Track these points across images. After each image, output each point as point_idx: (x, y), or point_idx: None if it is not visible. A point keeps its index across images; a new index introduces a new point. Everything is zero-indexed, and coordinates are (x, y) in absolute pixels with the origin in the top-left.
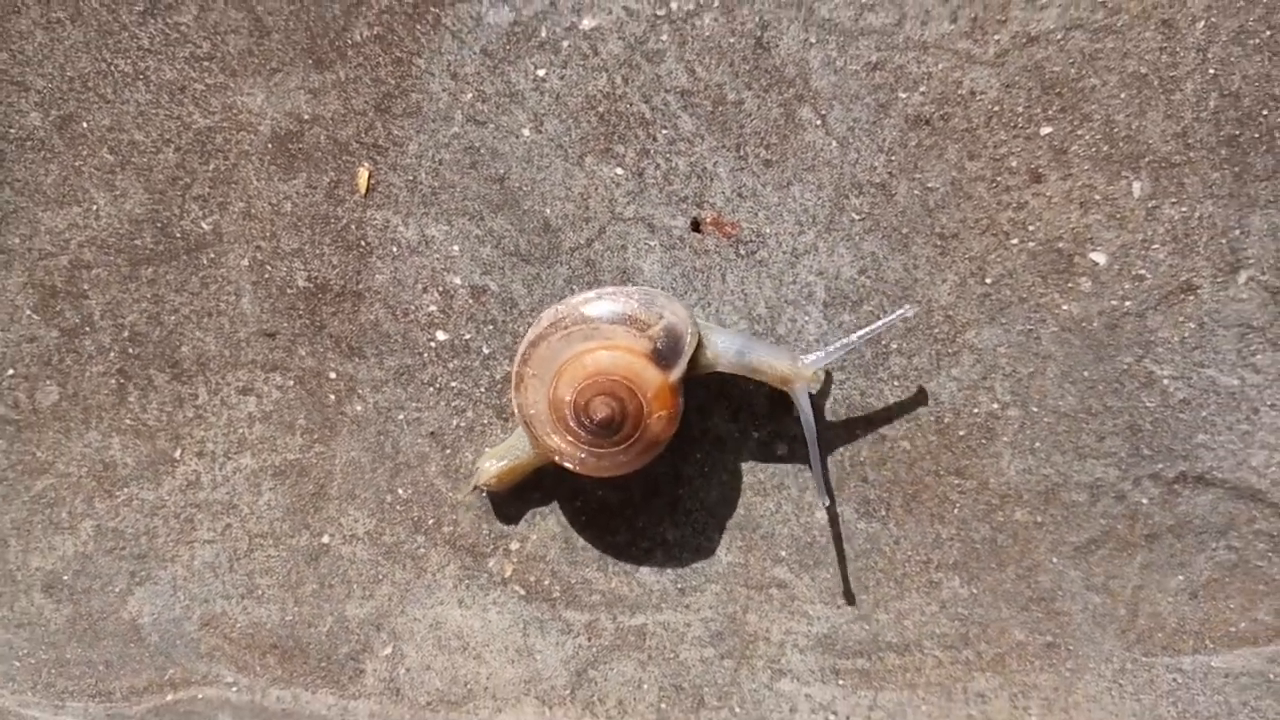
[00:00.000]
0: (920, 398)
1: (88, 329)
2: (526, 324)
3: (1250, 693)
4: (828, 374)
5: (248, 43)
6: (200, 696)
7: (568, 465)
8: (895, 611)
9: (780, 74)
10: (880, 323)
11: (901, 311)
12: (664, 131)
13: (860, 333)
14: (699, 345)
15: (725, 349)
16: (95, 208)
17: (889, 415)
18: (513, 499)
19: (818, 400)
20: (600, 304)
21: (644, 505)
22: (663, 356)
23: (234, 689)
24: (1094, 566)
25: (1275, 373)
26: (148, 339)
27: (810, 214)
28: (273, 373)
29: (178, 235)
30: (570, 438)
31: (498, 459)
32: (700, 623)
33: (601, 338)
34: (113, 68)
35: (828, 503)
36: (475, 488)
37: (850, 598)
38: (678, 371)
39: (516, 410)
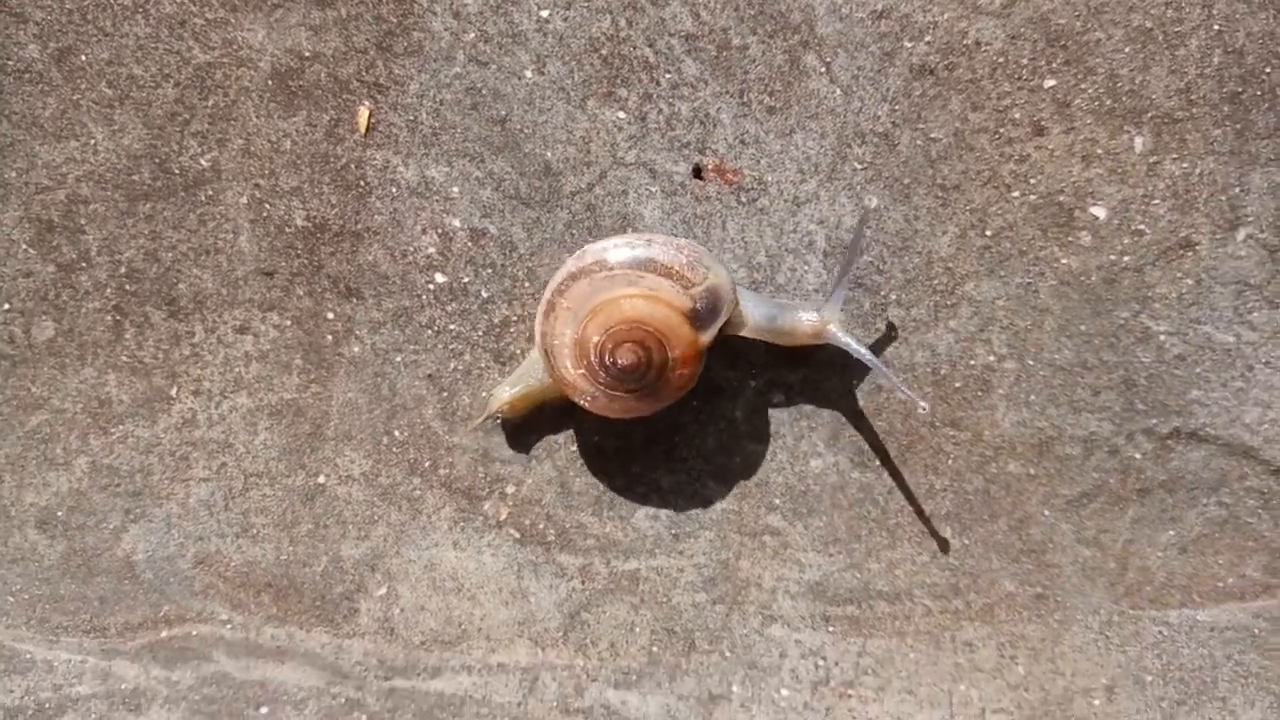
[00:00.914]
0: (918, 349)
1: (84, 264)
2: (529, 265)
3: (1234, 646)
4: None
5: None
6: (195, 634)
7: (578, 400)
8: (886, 560)
9: (785, 20)
10: (855, 237)
11: (864, 211)
12: (667, 76)
13: (849, 259)
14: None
15: (754, 313)
16: (93, 142)
17: (886, 366)
18: (526, 430)
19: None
20: (650, 249)
21: (640, 451)
22: (699, 317)
23: (228, 626)
24: (1085, 520)
25: (1271, 330)
26: (145, 276)
27: (813, 162)
28: (270, 312)
29: (176, 171)
30: (588, 375)
31: (511, 385)
32: (693, 568)
33: (645, 286)
34: (112, 0)
35: (926, 407)
36: (489, 415)
37: (843, 546)
38: (710, 334)
39: (539, 337)
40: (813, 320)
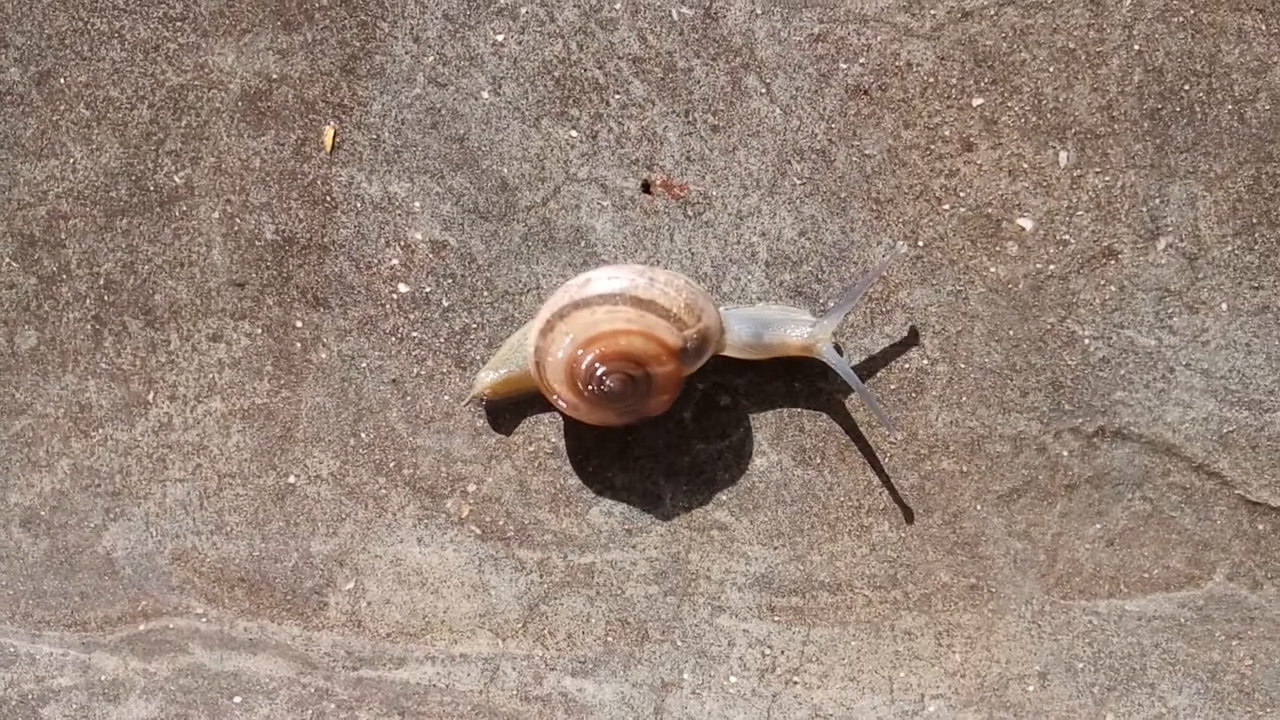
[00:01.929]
0: (855, 354)
1: (65, 276)
2: (488, 275)
3: (1162, 635)
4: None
5: (219, 4)
6: (171, 627)
7: (558, 404)
8: (828, 553)
9: (727, 43)
10: (877, 266)
11: (893, 252)
12: (616, 96)
13: (861, 281)
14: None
15: (740, 334)
16: (72, 161)
17: (824, 369)
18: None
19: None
20: (651, 289)
21: (595, 450)
22: (687, 355)
23: (203, 620)
24: (1016, 514)
25: (1190, 334)
26: (122, 287)
27: (754, 178)
28: (242, 321)
29: (151, 188)
30: (572, 391)
31: (494, 369)
32: (646, 561)
33: (644, 325)
34: (89, 26)
35: (899, 436)
36: (474, 398)
37: (787, 539)
38: (693, 369)
39: (532, 351)
40: (804, 336)
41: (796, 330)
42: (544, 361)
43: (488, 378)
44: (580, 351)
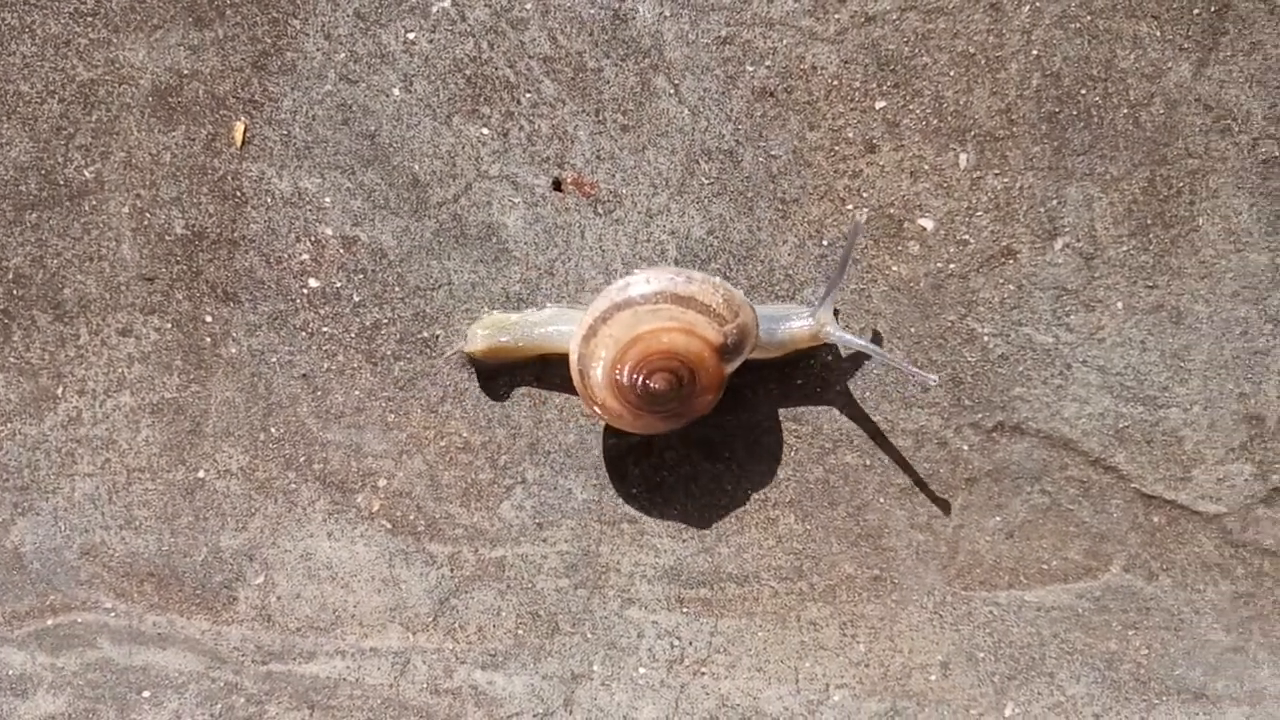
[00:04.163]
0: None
1: None
2: (399, 271)
3: (1060, 625)
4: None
5: (130, 0)
6: (80, 621)
7: (599, 413)
8: (736, 545)
9: (636, 45)
10: (848, 243)
11: (855, 225)
12: (527, 95)
13: (839, 261)
14: None
15: (760, 333)
16: None
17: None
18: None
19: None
20: (690, 286)
21: (506, 445)
22: (728, 351)
23: (112, 614)
24: (918, 507)
25: (1086, 332)
26: (31, 281)
27: (664, 177)
28: (151, 315)
29: (61, 182)
30: (617, 394)
31: (498, 332)
32: (556, 555)
33: (685, 322)
34: None
35: (934, 380)
36: (459, 351)
37: (695, 532)
38: (734, 365)
39: (574, 359)
40: (809, 325)
41: (800, 322)
42: (587, 369)
43: (485, 336)
44: (624, 354)
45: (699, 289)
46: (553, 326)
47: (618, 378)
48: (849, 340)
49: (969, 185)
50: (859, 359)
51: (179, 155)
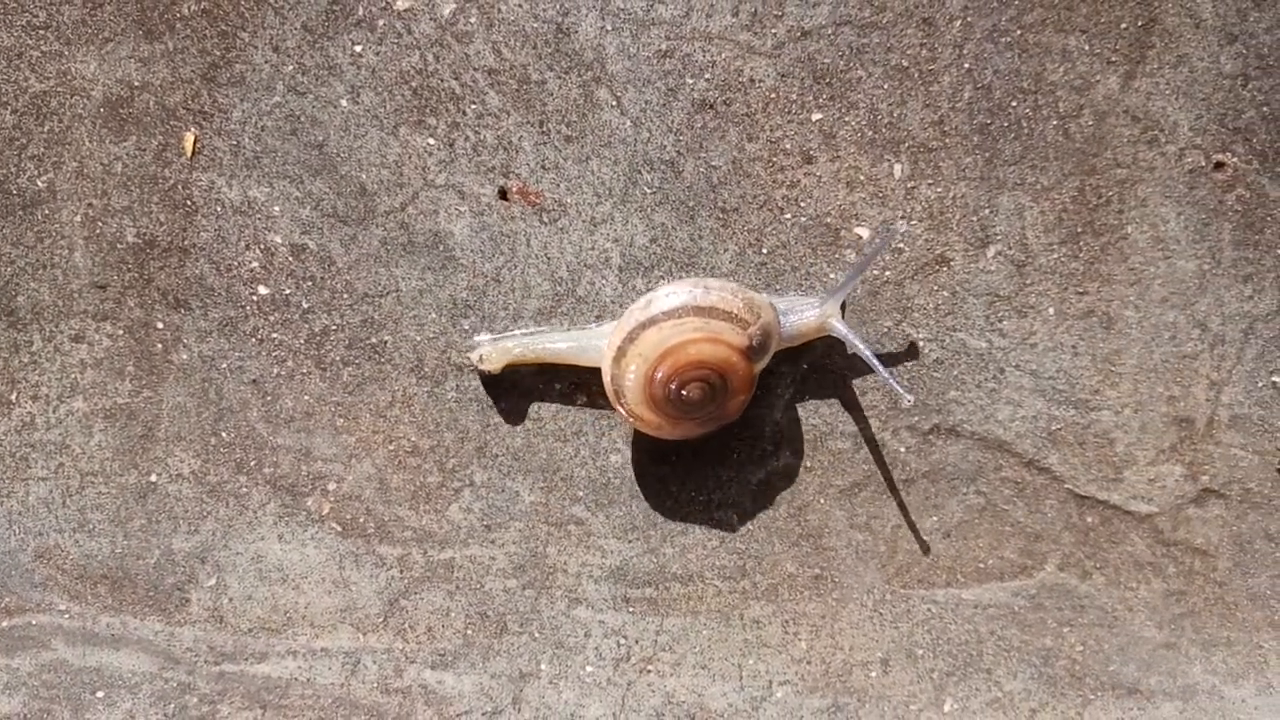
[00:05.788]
0: None
1: None
2: (347, 278)
3: (997, 622)
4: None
5: (81, 13)
6: (34, 623)
7: (640, 427)
8: (680, 545)
9: (579, 57)
10: (877, 245)
11: (891, 230)
12: (473, 106)
13: (857, 264)
14: None
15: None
16: None
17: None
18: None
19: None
20: (709, 296)
21: (454, 449)
22: (754, 352)
23: (66, 616)
24: (857, 507)
25: (1019, 337)
26: None
27: (607, 186)
28: (104, 322)
29: (14, 192)
30: (653, 410)
31: (504, 347)
32: (504, 556)
33: (710, 331)
34: None
35: (910, 400)
36: (477, 366)
37: (641, 533)
38: (761, 364)
39: (608, 379)
40: (815, 317)
41: (809, 314)
42: (621, 388)
43: (499, 354)
44: (655, 370)
45: (718, 298)
46: (564, 344)
47: (653, 392)
48: (849, 337)
49: (903, 195)
50: (799, 361)
51: (130, 165)
